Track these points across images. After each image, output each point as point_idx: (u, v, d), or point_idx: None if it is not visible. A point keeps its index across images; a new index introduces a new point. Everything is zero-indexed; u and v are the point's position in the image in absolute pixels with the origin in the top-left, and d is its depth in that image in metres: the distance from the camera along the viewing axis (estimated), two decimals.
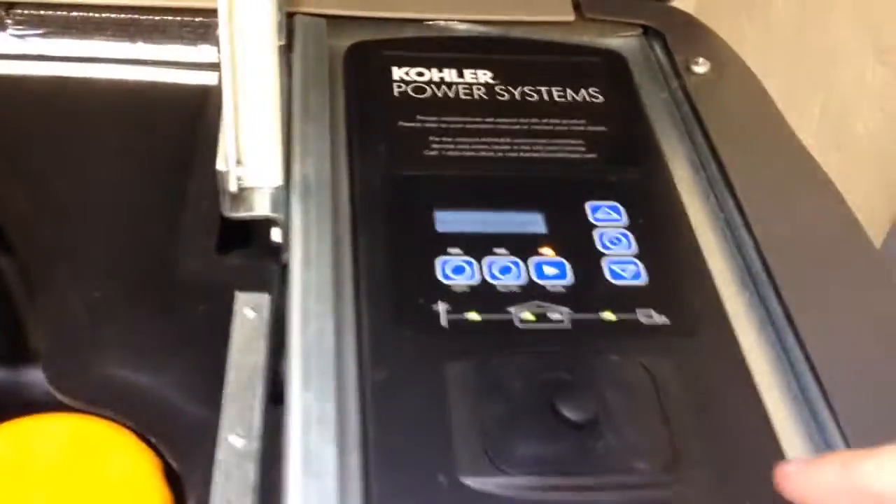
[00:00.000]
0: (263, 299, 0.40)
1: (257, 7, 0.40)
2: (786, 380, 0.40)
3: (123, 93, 0.53)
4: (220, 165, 0.40)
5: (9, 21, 0.54)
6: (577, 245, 0.43)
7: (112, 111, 0.51)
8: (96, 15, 0.53)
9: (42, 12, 0.53)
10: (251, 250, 0.44)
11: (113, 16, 0.53)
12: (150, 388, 0.35)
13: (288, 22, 0.53)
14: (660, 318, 0.41)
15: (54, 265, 0.40)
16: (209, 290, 0.40)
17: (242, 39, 0.40)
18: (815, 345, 0.40)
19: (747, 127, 0.52)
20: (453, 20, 0.57)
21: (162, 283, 0.40)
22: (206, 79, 0.54)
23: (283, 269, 0.42)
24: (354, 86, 0.51)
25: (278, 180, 0.43)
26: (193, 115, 0.50)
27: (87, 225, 0.43)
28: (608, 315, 0.40)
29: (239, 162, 0.41)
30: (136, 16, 0.54)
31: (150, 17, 0.54)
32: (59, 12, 0.53)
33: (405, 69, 0.52)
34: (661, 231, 0.45)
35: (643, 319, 0.40)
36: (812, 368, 0.39)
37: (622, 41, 0.59)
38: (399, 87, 0.51)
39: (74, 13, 0.53)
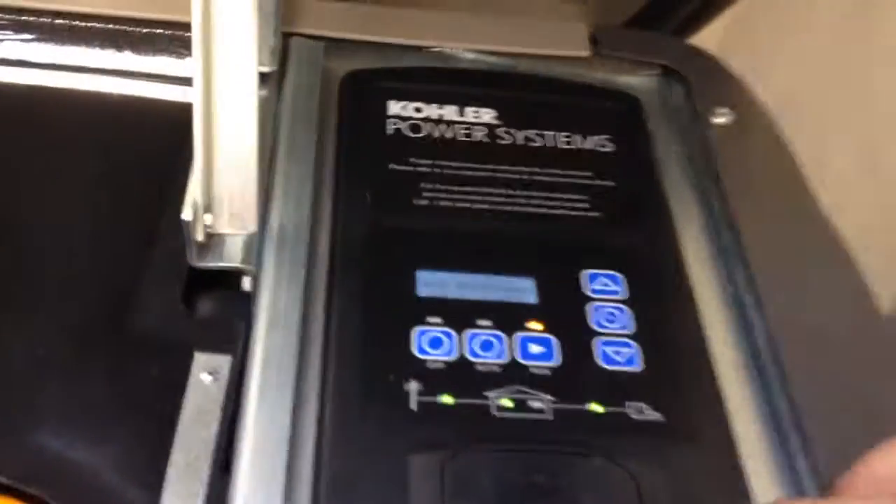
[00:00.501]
0: (223, 362, 0.37)
1: (238, 27, 0.36)
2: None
3: (105, 107, 0.49)
4: (186, 215, 0.37)
5: None
6: (569, 320, 0.40)
7: (90, 127, 0.48)
8: (82, 23, 0.50)
9: (25, 17, 0.50)
10: (220, 298, 0.41)
11: (100, 25, 0.50)
12: (88, 465, 0.32)
13: (283, 43, 0.50)
14: (652, 414, 0.37)
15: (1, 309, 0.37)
16: (167, 348, 0.37)
17: (220, 65, 0.37)
18: (826, 457, 0.37)
19: (767, 190, 0.49)
20: (460, 49, 0.54)
21: (116, 339, 0.37)
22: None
23: (250, 325, 0.39)
24: (347, 120, 0.47)
25: (252, 227, 0.40)
26: (178, 135, 0.47)
27: (40, 263, 0.40)
28: (595, 407, 0.37)
29: (208, 209, 0.38)
30: (125, 27, 0.50)
31: (139, 28, 0.50)
32: (42, 18, 0.50)
33: (402, 103, 0.49)
34: (662, 308, 0.41)
35: (634, 415, 0.37)
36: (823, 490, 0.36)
37: (639, 80, 0.55)
38: (394, 123, 0.47)
39: (59, 20, 0.50)
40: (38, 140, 0.46)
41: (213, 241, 0.39)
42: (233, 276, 0.41)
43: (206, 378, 0.36)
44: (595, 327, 0.40)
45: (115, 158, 0.46)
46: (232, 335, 0.38)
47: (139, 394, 0.35)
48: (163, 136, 0.47)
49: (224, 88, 0.37)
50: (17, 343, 0.35)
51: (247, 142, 0.39)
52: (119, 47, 0.50)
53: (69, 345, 0.36)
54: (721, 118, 0.51)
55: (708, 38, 0.65)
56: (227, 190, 0.39)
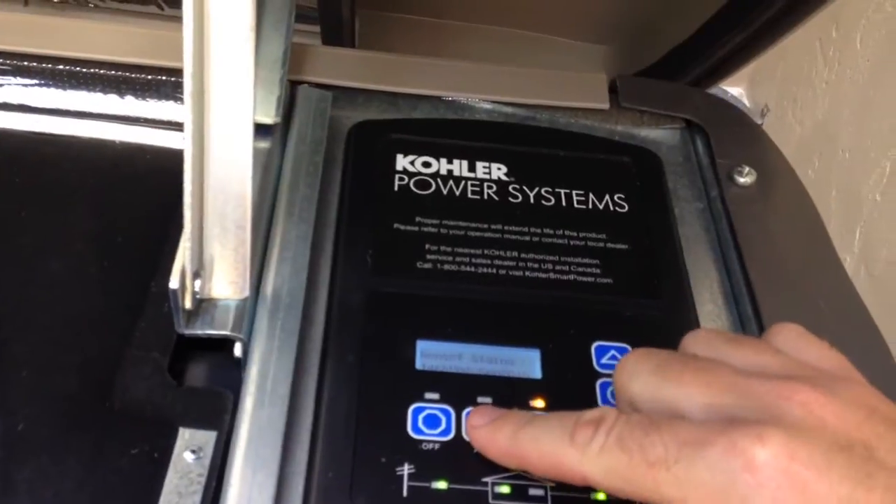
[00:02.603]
0: (209, 439, 0.35)
1: (235, 76, 0.34)
2: None
3: (105, 154, 0.48)
4: (173, 283, 0.35)
5: None
6: (575, 399, 0.38)
7: (89, 175, 0.47)
8: (84, 69, 0.49)
9: (27, 63, 0.49)
10: (210, 366, 0.39)
11: (102, 71, 0.49)
12: None
13: (290, 91, 0.48)
14: None
15: None
16: (151, 424, 0.35)
17: (214, 117, 0.35)
18: None
19: (790, 257, 0.46)
20: (475, 99, 0.52)
21: (97, 414, 0.35)
22: None
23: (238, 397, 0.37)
24: (352, 175, 0.46)
25: (245, 292, 0.39)
26: (179, 184, 0.46)
27: (22, 328, 0.38)
28: (599, 495, 0.35)
29: (197, 275, 0.37)
30: (128, 73, 0.49)
31: (142, 74, 0.49)
32: (44, 64, 0.49)
33: (411, 157, 0.47)
34: None
35: None
36: None
37: (660, 133, 0.53)
38: (401, 179, 0.46)
39: (61, 66, 0.49)
40: (33, 188, 0.45)
41: (203, 306, 0.38)
42: (224, 341, 0.40)
43: (188, 457, 0.34)
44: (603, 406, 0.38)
45: (111, 211, 0.45)
46: (220, 408, 0.37)
47: (119, 476, 0.33)
48: (163, 186, 0.46)
49: (218, 143, 0.36)
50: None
51: (242, 201, 0.37)
52: (121, 93, 0.49)
53: (49, 423, 0.34)
54: (744, 178, 0.49)
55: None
56: (220, 253, 0.38)
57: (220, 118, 0.35)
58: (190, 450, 0.35)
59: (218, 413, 0.36)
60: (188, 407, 0.36)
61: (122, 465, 0.33)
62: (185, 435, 0.35)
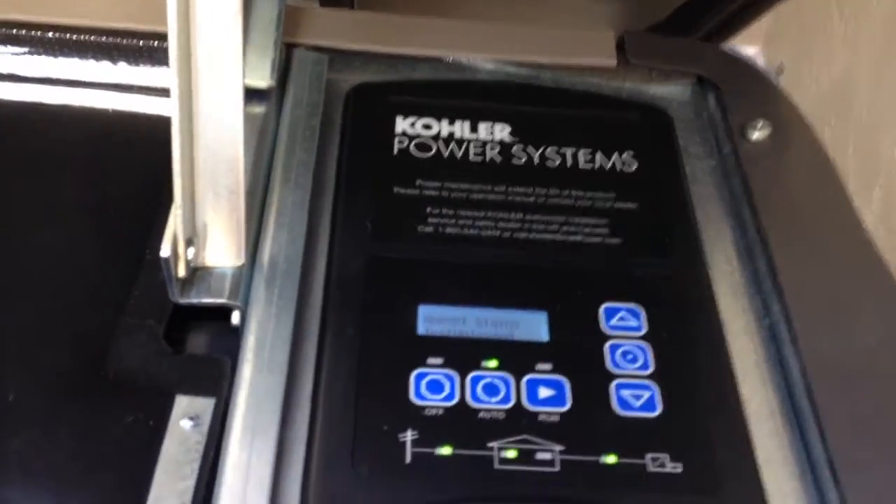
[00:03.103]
0: (207, 406, 0.34)
1: (222, 34, 0.33)
2: None
3: (97, 123, 0.47)
4: (164, 251, 0.34)
5: None
6: (584, 360, 0.37)
7: (81, 144, 0.46)
8: (75, 36, 0.48)
9: (16, 31, 0.48)
10: (207, 332, 0.38)
11: (94, 38, 0.48)
12: None
13: (286, 55, 0.47)
14: (673, 466, 0.34)
15: None
16: (147, 392, 0.34)
17: (202, 79, 0.34)
18: None
19: (806, 211, 0.44)
20: (477, 59, 0.50)
21: (92, 383, 0.34)
22: None
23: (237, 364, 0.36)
24: (350, 139, 0.44)
25: (240, 259, 0.38)
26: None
27: (15, 299, 0.37)
28: (609, 458, 0.34)
29: (190, 242, 0.36)
30: (120, 39, 0.48)
31: (134, 40, 0.48)
32: (34, 32, 0.48)
33: (411, 119, 0.46)
34: (687, 345, 0.38)
35: (652, 467, 0.34)
36: None
37: (669, 91, 0.51)
38: (401, 142, 0.44)
39: (52, 33, 0.48)
40: (25, 159, 0.44)
41: (198, 274, 0.37)
42: (221, 309, 0.38)
43: (186, 424, 0.34)
44: (612, 368, 0.36)
45: (104, 180, 0.44)
46: (217, 375, 0.36)
47: (115, 446, 0.32)
48: (157, 154, 0.44)
49: (207, 105, 0.34)
50: None
51: (234, 165, 0.36)
52: (114, 60, 0.48)
53: (42, 393, 0.34)
54: (757, 132, 0.47)
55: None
56: (213, 219, 0.36)
57: (209, 80, 0.34)
58: (187, 417, 0.34)
59: (216, 380, 0.35)
60: (185, 374, 0.35)
61: (118, 434, 0.32)
62: (182, 402, 0.34)
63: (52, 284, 0.38)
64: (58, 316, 0.37)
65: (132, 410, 0.33)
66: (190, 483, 0.32)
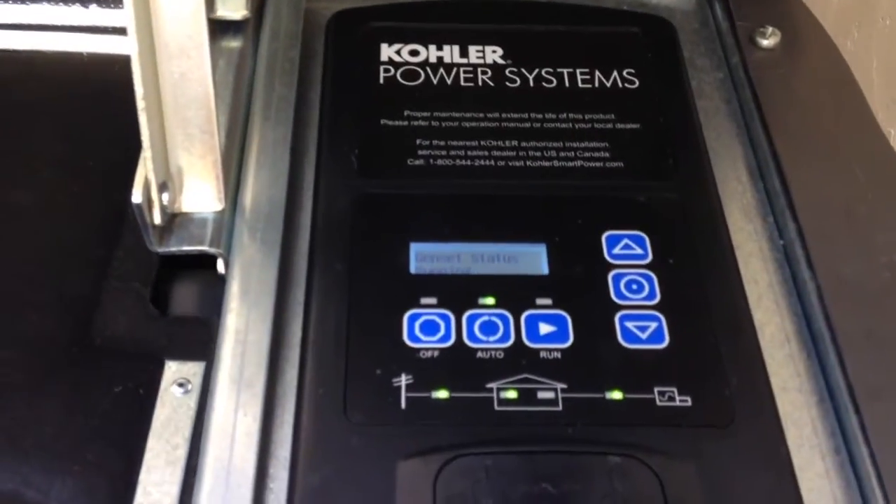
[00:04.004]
0: (197, 370, 0.33)
1: None
2: (847, 493, 0.31)
3: (69, 69, 0.45)
4: (135, 197, 0.32)
5: None
6: (586, 293, 0.35)
7: (53, 92, 0.44)
8: None
9: None
10: (195, 288, 0.37)
11: None
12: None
13: None
14: (682, 399, 0.32)
15: None
16: (134, 359, 0.33)
17: (162, 10, 0.31)
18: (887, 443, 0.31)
19: (822, 124, 0.42)
20: None
21: (77, 352, 0.33)
22: None
23: None
24: (332, 70, 0.42)
25: (220, 204, 0.36)
26: None
27: None
28: (615, 394, 0.32)
29: (165, 187, 0.34)
30: None
31: None
32: None
33: (396, 46, 0.43)
34: (696, 272, 0.36)
35: (660, 401, 0.32)
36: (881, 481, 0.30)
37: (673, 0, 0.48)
38: (387, 71, 0.42)
39: None
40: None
41: (177, 221, 0.35)
42: (207, 258, 0.37)
43: (176, 391, 0.32)
44: (616, 299, 0.35)
45: (80, 131, 0.42)
46: (207, 337, 0.34)
47: (103, 418, 0.31)
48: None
49: (169, 39, 0.32)
50: None
51: (204, 103, 0.34)
52: (84, 3, 0.45)
53: (27, 364, 0.32)
54: (768, 39, 0.44)
55: None
56: (187, 161, 0.35)
57: (169, 9, 0.32)
58: (177, 383, 0.32)
59: (205, 343, 0.33)
60: (173, 338, 0.34)
61: (106, 405, 0.31)
62: (171, 367, 0.33)
63: (31, 247, 0.36)
64: (37, 282, 0.35)
65: (121, 379, 0.32)
66: (182, 450, 0.31)
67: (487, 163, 0.39)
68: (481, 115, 0.40)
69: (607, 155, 0.39)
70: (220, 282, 0.35)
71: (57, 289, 0.35)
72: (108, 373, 0.32)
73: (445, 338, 0.33)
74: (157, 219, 0.34)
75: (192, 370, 0.33)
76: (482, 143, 0.39)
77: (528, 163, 0.39)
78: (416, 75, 0.42)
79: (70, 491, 0.29)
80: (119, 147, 0.41)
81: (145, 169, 0.33)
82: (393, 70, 0.42)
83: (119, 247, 0.36)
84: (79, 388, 0.32)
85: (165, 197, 0.34)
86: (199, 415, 0.32)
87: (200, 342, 0.34)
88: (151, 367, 0.33)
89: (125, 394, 0.32)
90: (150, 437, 0.31)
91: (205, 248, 0.35)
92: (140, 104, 0.31)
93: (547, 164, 0.39)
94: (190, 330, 0.34)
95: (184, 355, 0.33)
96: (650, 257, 0.36)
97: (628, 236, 0.37)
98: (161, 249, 0.34)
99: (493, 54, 0.43)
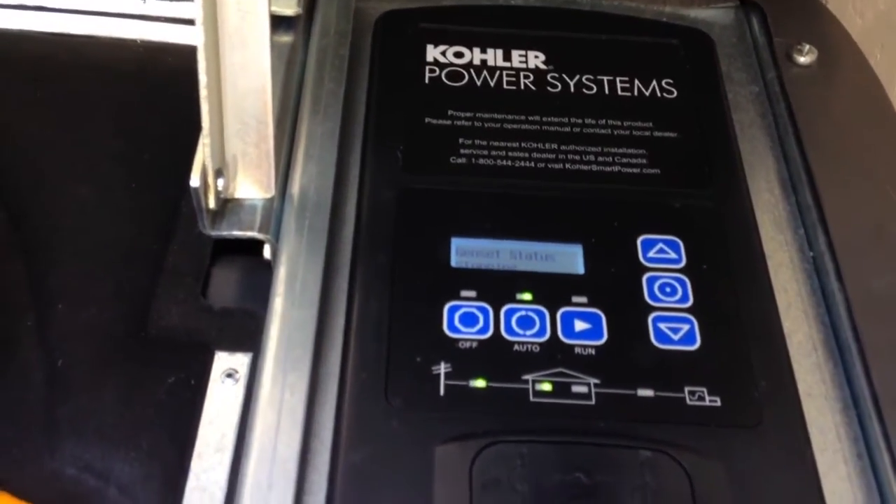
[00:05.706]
0: (244, 361, 0.34)
1: None
2: (868, 496, 0.32)
3: (126, 57, 0.46)
4: (193, 181, 0.34)
5: None
6: (621, 293, 0.36)
7: (110, 77, 0.45)
8: None
9: None
10: (244, 276, 0.38)
11: None
12: (103, 492, 0.30)
13: None
14: (711, 400, 0.33)
15: (18, 315, 0.34)
16: (185, 351, 0.34)
17: (227, 4, 0.33)
18: None
19: (854, 140, 0.43)
20: None
21: (132, 345, 0.34)
22: None
23: None
24: (379, 68, 0.43)
25: (270, 191, 0.37)
26: None
27: (53, 260, 0.37)
28: (646, 391, 0.33)
29: (220, 173, 0.35)
30: None
31: None
32: None
33: (442, 48, 0.44)
34: (727, 278, 0.37)
35: (690, 400, 0.33)
36: None
37: (712, 13, 0.49)
38: (432, 71, 0.43)
39: None
40: (53, 96, 0.44)
41: (229, 206, 0.36)
42: (255, 243, 0.38)
43: (225, 381, 0.34)
44: (650, 301, 0.36)
45: (136, 122, 0.43)
46: (255, 328, 0.35)
47: (157, 407, 0.33)
48: (190, 89, 0.44)
49: (233, 33, 0.33)
50: (40, 354, 0.33)
51: (262, 95, 0.35)
52: None
53: (86, 356, 0.34)
54: (804, 56, 0.45)
55: None
56: (242, 150, 0.36)
57: (234, 4, 0.33)
58: (226, 373, 0.34)
59: (253, 334, 0.35)
60: (223, 330, 0.35)
61: (160, 394, 0.33)
62: (219, 359, 0.34)
63: (90, 242, 0.38)
64: (97, 276, 0.37)
65: (173, 369, 0.33)
66: (230, 438, 0.32)
67: (527, 164, 0.40)
68: (523, 117, 0.42)
69: (644, 161, 0.40)
70: (267, 276, 0.36)
71: (114, 283, 0.37)
72: (162, 363, 0.34)
73: (484, 330, 0.34)
74: (212, 203, 0.35)
75: (240, 361, 0.34)
76: (523, 144, 0.41)
77: (567, 166, 0.40)
78: (460, 76, 0.43)
79: (127, 476, 0.31)
80: (171, 137, 0.42)
81: (203, 155, 0.34)
82: (438, 70, 0.43)
83: (173, 241, 0.38)
84: (135, 379, 0.33)
85: (220, 182, 0.35)
86: (245, 404, 0.33)
87: (248, 334, 0.35)
88: (202, 357, 0.34)
89: (177, 384, 0.33)
90: (200, 426, 0.32)
91: (254, 233, 0.36)
92: (203, 92, 0.33)
93: (585, 167, 0.40)
94: (238, 322, 0.36)
95: (232, 346, 0.35)
96: (684, 262, 0.37)
97: (663, 241, 0.38)
98: (213, 233, 0.36)
99: (536, 59, 0.44)
